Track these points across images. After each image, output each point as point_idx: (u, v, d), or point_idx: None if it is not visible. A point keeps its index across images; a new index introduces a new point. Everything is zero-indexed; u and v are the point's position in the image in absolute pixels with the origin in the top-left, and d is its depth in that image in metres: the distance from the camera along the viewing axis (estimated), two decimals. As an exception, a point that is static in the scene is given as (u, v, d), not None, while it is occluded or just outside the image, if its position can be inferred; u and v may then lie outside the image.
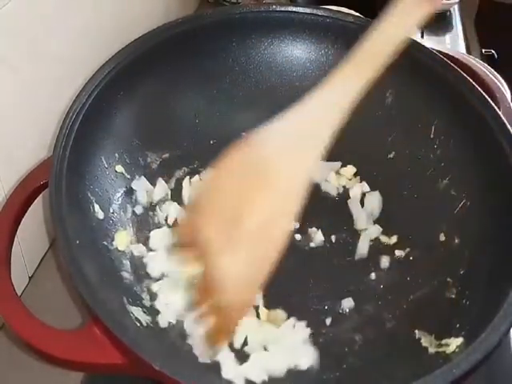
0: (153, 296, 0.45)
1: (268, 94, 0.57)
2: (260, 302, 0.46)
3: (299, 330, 0.45)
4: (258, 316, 0.45)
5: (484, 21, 1.02)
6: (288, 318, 0.46)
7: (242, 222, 0.30)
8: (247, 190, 0.31)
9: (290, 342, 0.44)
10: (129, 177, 0.50)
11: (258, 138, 0.32)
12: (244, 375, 0.42)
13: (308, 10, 0.55)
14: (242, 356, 0.43)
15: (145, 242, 0.49)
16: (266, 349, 0.44)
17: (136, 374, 0.37)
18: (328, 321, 0.46)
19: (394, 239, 0.51)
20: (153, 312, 0.44)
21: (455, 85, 0.49)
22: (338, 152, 0.56)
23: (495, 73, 0.59)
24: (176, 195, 0.53)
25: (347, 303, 0.47)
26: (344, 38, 0.55)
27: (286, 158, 0.31)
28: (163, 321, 0.44)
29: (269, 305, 0.46)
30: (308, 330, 0.45)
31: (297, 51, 0.57)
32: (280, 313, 0.46)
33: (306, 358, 0.43)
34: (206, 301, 0.32)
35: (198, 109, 0.56)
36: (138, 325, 0.40)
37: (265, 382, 0.42)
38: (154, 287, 0.46)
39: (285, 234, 0.31)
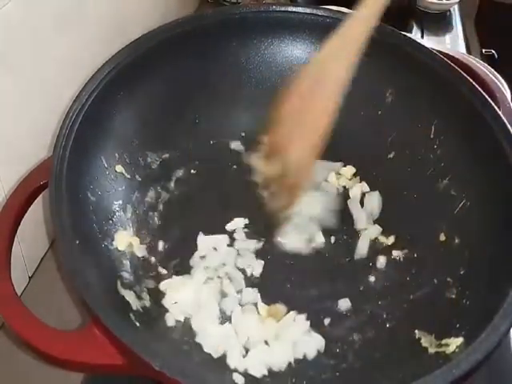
0: (153, 295, 0.45)
1: (268, 93, 0.57)
2: (259, 299, 0.46)
3: (299, 324, 0.45)
4: (258, 312, 0.46)
5: (484, 21, 1.02)
6: (288, 312, 0.46)
7: (300, 121, 0.44)
8: (306, 95, 0.44)
9: (290, 336, 0.44)
10: (129, 177, 0.50)
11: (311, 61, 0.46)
12: (245, 368, 0.42)
13: (308, 10, 0.55)
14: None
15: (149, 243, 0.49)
16: (266, 343, 0.44)
17: (136, 374, 0.37)
18: (327, 321, 0.46)
19: (393, 239, 0.51)
20: (153, 312, 0.44)
21: (455, 85, 0.49)
22: (338, 152, 0.57)
23: (495, 73, 0.59)
24: (175, 195, 0.53)
25: (344, 303, 0.47)
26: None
27: (329, 67, 0.44)
28: (171, 319, 0.44)
29: (268, 302, 0.46)
30: (308, 323, 0.45)
31: (297, 51, 0.57)
32: (280, 307, 0.46)
33: (308, 348, 0.44)
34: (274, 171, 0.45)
35: (197, 109, 0.55)
36: (138, 325, 0.40)
37: (265, 376, 0.42)
38: (162, 286, 0.46)
39: (330, 112, 0.43)
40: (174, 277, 0.47)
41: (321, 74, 0.44)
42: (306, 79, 0.44)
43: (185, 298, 0.45)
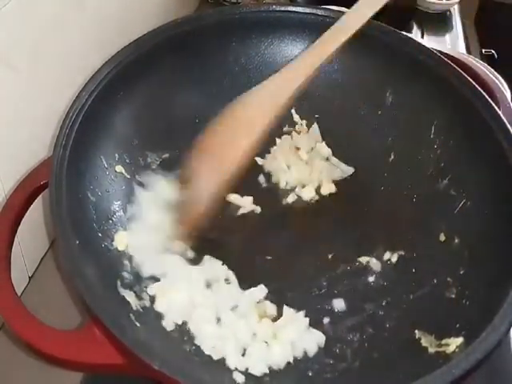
0: (152, 297, 0.45)
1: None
2: (261, 295, 0.46)
3: (298, 321, 0.45)
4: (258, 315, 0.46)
5: (484, 21, 1.02)
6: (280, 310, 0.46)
7: (216, 144, 0.47)
8: (226, 130, 0.47)
9: (289, 334, 0.44)
10: (129, 177, 0.50)
11: (239, 100, 0.48)
12: (245, 368, 0.42)
13: (308, 10, 0.55)
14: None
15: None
16: (266, 342, 0.44)
17: (135, 374, 0.37)
18: (326, 320, 0.46)
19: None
20: (153, 312, 0.44)
21: (455, 85, 0.49)
22: (338, 152, 0.57)
23: (495, 73, 0.59)
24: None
25: (338, 304, 0.47)
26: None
27: (253, 109, 0.47)
28: (169, 323, 0.44)
29: (268, 300, 0.46)
30: (307, 320, 0.45)
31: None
32: (269, 305, 0.46)
33: (308, 344, 0.44)
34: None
35: (197, 109, 0.55)
36: (138, 325, 0.40)
37: (265, 374, 0.42)
38: (150, 291, 0.45)
39: (242, 153, 0.46)
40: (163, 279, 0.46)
41: (243, 114, 0.47)
42: (229, 116, 0.47)
43: (179, 300, 0.45)
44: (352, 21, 0.47)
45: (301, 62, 0.47)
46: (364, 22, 0.46)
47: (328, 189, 0.55)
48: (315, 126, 0.58)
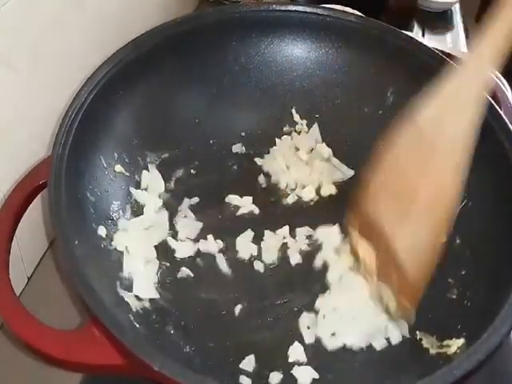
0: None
1: (268, 93, 0.57)
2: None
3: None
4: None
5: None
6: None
7: (413, 196, 0.33)
8: (411, 166, 0.34)
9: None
10: (128, 177, 0.50)
11: (417, 120, 0.35)
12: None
13: (308, 9, 0.54)
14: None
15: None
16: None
17: (135, 374, 0.37)
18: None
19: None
20: (153, 313, 0.44)
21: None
22: (338, 153, 0.57)
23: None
24: (174, 195, 0.53)
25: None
26: (345, 38, 0.55)
27: (444, 137, 0.33)
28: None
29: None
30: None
31: (297, 50, 0.56)
32: None
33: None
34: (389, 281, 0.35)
35: (197, 108, 0.55)
36: (137, 326, 0.40)
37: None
38: None
39: (453, 205, 0.34)
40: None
41: (434, 134, 0.33)
42: (410, 139, 0.33)
43: None
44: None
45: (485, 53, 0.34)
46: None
47: (328, 190, 0.55)
48: (315, 126, 0.58)
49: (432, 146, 0.33)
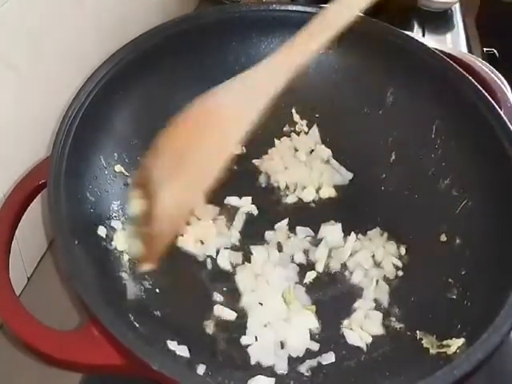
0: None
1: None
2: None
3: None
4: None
5: (485, 19, 1.01)
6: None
7: (183, 158, 0.37)
8: (192, 135, 0.38)
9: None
10: (128, 176, 0.50)
11: (209, 95, 0.39)
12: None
13: (308, 9, 0.54)
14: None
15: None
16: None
17: (134, 374, 0.37)
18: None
19: (395, 239, 0.51)
20: (152, 312, 0.44)
21: (456, 84, 0.49)
22: (338, 153, 0.56)
23: (496, 72, 0.59)
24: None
25: None
26: (344, 37, 0.54)
27: (228, 109, 0.38)
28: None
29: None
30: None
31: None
32: None
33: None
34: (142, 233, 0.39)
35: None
36: (137, 325, 0.40)
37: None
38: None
39: (217, 167, 0.37)
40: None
41: (220, 108, 0.38)
42: (201, 109, 0.38)
43: None
44: (338, 15, 0.39)
45: (287, 51, 0.39)
46: (353, 17, 0.39)
47: (328, 193, 0.55)
48: (315, 127, 0.58)
49: (214, 115, 0.38)
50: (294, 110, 0.58)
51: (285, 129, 0.58)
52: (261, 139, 0.56)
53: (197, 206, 0.40)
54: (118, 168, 0.49)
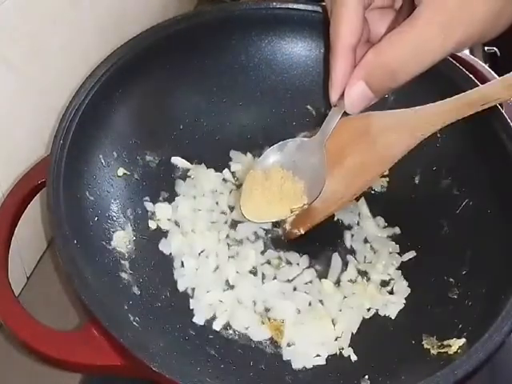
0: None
1: (268, 92, 0.57)
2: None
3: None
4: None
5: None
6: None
7: (342, 160, 0.45)
8: (352, 142, 0.45)
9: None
10: (128, 176, 0.50)
11: (373, 115, 0.45)
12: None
13: (309, 7, 0.54)
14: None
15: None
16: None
17: (134, 375, 0.36)
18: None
19: (394, 238, 0.51)
20: (152, 312, 0.44)
21: (458, 83, 0.49)
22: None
23: (495, 74, 0.59)
24: (173, 196, 0.53)
25: None
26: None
27: (386, 136, 0.44)
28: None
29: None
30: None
31: (297, 49, 0.56)
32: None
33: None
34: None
35: (197, 107, 0.55)
36: (137, 326, 0.40)
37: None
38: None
39: (368, 182, 0.47)
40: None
41: (380, 136, 0.43)
42: (361, 127, 0.44)
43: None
44: (497, 92, 0.42)
45: (442, 108, 0.43)
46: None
47: None
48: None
49: (373, 141, 0.44)
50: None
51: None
52: (262, 137, 0.56)
53: (347, 199, 0.46)
54: (118, 167, 0.49)
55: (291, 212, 0.41)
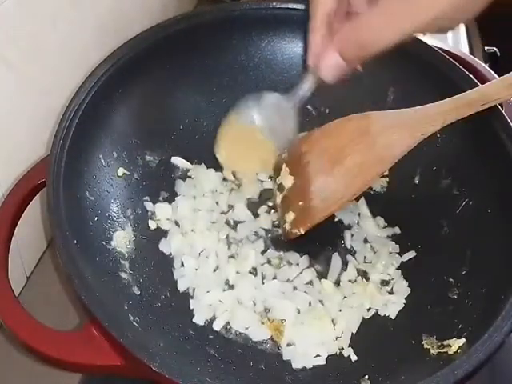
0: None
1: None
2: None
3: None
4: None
5: (486, 18, 1.01)
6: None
7: (342, 159, 0.45)
8: (352, 142, 0.45)
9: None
10: (127, 176, 0.50)
11: (373, 115, 0.45)
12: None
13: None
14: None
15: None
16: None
17: (133, 375, 0.36)
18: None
19: (394, 238, 0.51)
20: (152, 313, 0.44)
21: (457, 83, 0.49)
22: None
23: (494, 74, 0.59)
24: (173, 196, 0.53)
25: None
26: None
27: (386, 136, 0.44)
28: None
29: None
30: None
31: (297, 49, 0.56)
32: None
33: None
34: (294, 204, 0.47)
35: (197, 107, 0.55)
36: (137, 325, 0.40)
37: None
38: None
39: (368, 182, 0.45)
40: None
41: (380, 136, 0.43)
42: (361, 127, 0.44)
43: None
44: (497, 92, 0.43)
45: (442, 108, 0.43)
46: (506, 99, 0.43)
47: None
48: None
49: (373, 141, 0.44)
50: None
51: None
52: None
53: (347, 199, 0.46)
54: (118, 167, 0.49)
55: (262, 166, 0.44)
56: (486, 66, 0.57)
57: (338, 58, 0.39)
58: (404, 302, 0.46)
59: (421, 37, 0.52)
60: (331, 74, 0.40)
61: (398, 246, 0.51)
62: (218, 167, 0.55)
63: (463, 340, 0.38)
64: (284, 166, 0.50)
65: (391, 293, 0.48)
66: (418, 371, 0.38)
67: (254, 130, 0.46)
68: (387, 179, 0.54)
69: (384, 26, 0.36)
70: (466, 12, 0.36)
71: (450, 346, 0.39)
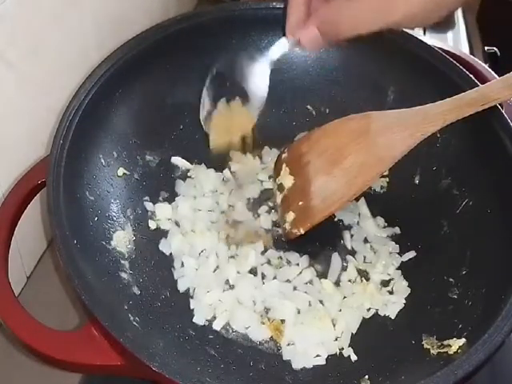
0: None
1: (268, 92, 0.56)
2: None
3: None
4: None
5: (487, 18, 1.01)
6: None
7: (342, 159, 0.45)
8: (352, 142, 0.45)
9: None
10: (127, 176, 0.50)
11: (373, 115, 0.45)
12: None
13: (308, 7, 0.54)
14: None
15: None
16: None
17: (133, 375, 0.36)
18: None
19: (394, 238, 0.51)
20: (153, 313, 0.44)
21: (457, 83, 0.49)
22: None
23: (494, 74, 0.59)
24: (173, 196, 0.53)
25: None
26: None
27: (386, 136, 0.44)
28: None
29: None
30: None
31: (297, 49, 0.56)
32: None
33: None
34: (294, 204, 0.48)
35: (197, 108, 0.55)
36: (137, 325, 0.40)
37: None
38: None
39: (368, 182, 0.46)
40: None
41: (380, 136, 0.44)
42: (361, 127, 0.44)
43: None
44: (497, 92, 0.43)
45: (442, 108, 0.44)
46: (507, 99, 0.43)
47: None
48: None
49: (373, 141, 0.44)
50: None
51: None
52: (261, 138, 0.56)
53: (347, 199, 0.46)
54: (117, 167, 0.49)
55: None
56: (486, 66, 0.57)
57: (316, 33, 0.41)
58: (404, 301, 0.47)
59: (421, 37, 0.52)
60: (311, 46, 0.42)
61: (398, 246, 0.51)
62: (218, 167, 0.55)
63: (463, 340, 0.38)
64: (284, 165, 0.50)
65: (391, 293, 0.48)
66: (418, 371, 0.38)
67: (234, 105, 0.47)
68: (387, 179, 0.54)
69: (359, 17, 0.39)
70: (439, 11, 0.38)
71: (450, 346, 0.39)
